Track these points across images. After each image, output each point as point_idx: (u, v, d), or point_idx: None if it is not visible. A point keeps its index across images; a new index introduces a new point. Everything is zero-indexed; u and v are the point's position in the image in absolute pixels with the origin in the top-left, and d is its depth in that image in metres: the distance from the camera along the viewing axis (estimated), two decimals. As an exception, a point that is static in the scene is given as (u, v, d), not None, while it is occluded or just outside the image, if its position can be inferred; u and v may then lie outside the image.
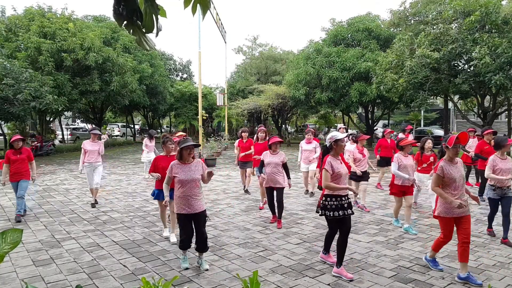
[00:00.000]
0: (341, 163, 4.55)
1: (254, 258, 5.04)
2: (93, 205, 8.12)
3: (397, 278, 4.36)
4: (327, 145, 4.60)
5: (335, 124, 30.69)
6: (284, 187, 6.56)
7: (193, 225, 4.64)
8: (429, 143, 7.13)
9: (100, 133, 8.58)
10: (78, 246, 5.57)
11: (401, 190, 6.26)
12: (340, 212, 4.41)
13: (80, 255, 5.19)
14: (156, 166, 5.68)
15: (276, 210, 6.63)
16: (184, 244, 4.66)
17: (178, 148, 4.60)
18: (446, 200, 4.29)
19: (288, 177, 6.56)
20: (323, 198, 4.50)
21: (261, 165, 6.66)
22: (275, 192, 6.56)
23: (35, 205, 8.31)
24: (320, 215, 4.56)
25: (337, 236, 4.60)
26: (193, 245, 4.78)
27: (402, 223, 6.43)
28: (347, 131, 14.50)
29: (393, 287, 4.15)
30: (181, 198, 4.55)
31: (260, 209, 7.79)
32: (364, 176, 7.57)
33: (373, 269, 4.64)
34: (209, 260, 4.98)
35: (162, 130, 41.99)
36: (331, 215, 4.42)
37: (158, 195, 5.77)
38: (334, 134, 4.59)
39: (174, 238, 5.72)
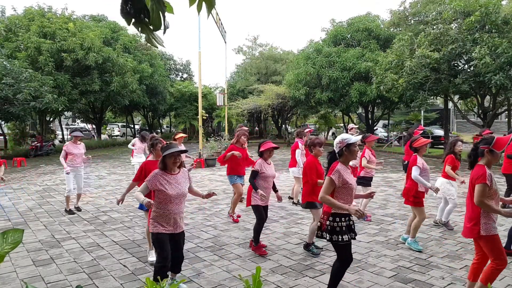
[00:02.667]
0: (351, 173, 3.75)
1: (254, 258, 5.04)
2: (78, 209, 7.78)
3: (397, 278, 4.36)
4: (336, 151, 3.74)
5: (336, 124, 30.64)
6: None
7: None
8: (460, 146, 6.23)
9: (82, 135, 8.05)
10: (78, 246, 5.57)
11: (423, 199, 5.38)
12: (350, 234, 3.61)
13: (80, 255, 5.19)
14: (146, 173, 4.55)
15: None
16: (166, 270, 3.79)
17: (161, 156, 3.79)
18: (495, 214, 3.53)
19: (276, 190, 5.57)
20: (330, 218, 3.58)
21: (253, 177, 5.26)
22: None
23: (35, 205, 8.31)
24: (328, 240, 3.61)
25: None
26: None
27: (408, 238, 5.51)
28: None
29: (393, 287, 4.15)
30: (165, 216, 3.75)
31: (236, 222, 6.85)
32: (370, 181, 7.01)
33: (373, 269, 4.63)
34: (209, 260, 4.98)
35: (162, 130, 42.02)
36: (343, 239, 3.54)
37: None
38: (346, 137, 3.70)
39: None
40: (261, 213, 5.26)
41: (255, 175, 5.25)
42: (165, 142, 3.80)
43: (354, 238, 3.70)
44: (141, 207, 5.18)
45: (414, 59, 14.39)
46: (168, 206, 3.75)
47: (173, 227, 3.80)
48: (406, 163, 8.53)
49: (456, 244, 5.51)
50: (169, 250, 3.77)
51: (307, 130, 8.76)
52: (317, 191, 5.01)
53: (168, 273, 3.99)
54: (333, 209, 3.56)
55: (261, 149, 5.33)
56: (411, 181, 5.36)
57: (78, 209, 7.83)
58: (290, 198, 8.52)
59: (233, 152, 6.88)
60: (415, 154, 5.48)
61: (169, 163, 3.76)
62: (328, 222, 3.58)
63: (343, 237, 3.53)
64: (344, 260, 3.65)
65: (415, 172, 5.28)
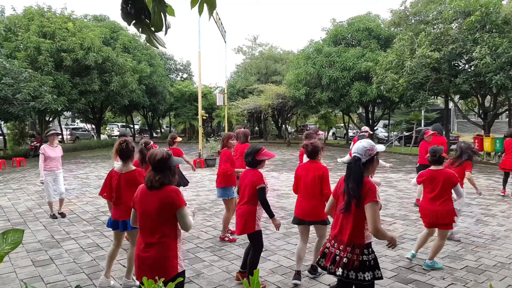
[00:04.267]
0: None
1: (254, 259, 5.01)
2: (62, 215, 7.18)
3: (397, 279, 4.35)
4: (362, 160, 2.81)
5: (336, 124, 30.59)
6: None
7: None
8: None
9: (59, 134, 7.23)
10: (77, 246, 5.56)
11: None
12: (379, 268, 2.82)
13: (80, 255, 5.18)
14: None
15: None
16: None
17: (174, 169, 2.97)
18: None
19: (271, 215, 4.06)
20: (365, 251, 2.77)
21: (264, 195, 4.04)
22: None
23: (35, 205, 8.30)
24: (355, 280, 2.73)
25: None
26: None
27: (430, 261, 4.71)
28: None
29: (393, 288, 4.14)
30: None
31: (226, 240, 5.84)
32: None
33: (373, 270, 4.61)
34: (209, 260, 4.97)
35: (162, 130, 42.01)
36: (374, 276, 2.75)
37: (113, 224, 4.12)
38: (373, 143, 2.92)
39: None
40: (261, 239, 4.20)
41: (264, 192, 3.98)
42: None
43: (381, 277, 2.82)
44: (113, 226, 4.13)
45: (415, 59, 14.39)
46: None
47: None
48: (418, 165, 8.03)
49: (457, 245, 5.50)
50: None
51: (318, 132, 8.11)
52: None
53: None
54: (367, 238, 2.79)
55: (260, 157, 4.08)
56: (451, 201, 4.51)
57: (62, 215, 7.24)
58: None
59: (237, 170, 5.76)
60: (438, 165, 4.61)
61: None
62: (362, 257, 2.74)
63: (375, 273, 2.76)
64: None
65: (460, 190, 4.46)
